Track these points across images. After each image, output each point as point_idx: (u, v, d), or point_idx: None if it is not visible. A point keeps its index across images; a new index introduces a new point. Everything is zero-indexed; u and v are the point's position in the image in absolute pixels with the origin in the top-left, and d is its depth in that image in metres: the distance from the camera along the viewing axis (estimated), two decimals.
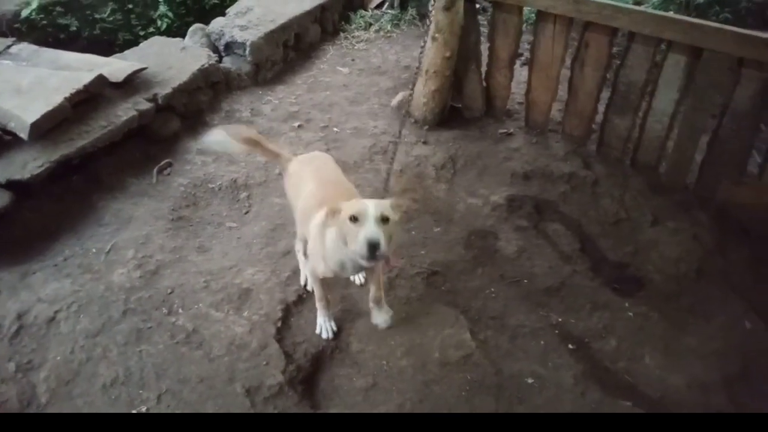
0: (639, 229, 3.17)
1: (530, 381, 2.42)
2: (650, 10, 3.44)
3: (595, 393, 2.39)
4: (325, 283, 2.45)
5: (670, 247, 3.06)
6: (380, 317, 2.52)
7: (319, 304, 2.52)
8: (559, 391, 2.39)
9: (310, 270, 2.42)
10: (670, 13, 3.48)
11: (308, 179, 2.42)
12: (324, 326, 2.54)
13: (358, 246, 1.93)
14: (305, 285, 2.70)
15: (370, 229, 1.92)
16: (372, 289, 2.48)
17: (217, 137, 2.56)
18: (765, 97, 3.09)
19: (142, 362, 2.33)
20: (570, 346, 2.58)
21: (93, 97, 3.18)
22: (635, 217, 3.23)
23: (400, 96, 4.03)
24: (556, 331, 2.63)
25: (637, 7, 3.45)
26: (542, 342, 2.58)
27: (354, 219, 1.97)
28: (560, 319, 2.68)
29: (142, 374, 2.29)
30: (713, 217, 3.23)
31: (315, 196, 2.32)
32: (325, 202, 2.17)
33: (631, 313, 2.74)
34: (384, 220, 1.97)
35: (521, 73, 3.96)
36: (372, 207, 1.97)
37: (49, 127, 2.94)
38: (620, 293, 2.83)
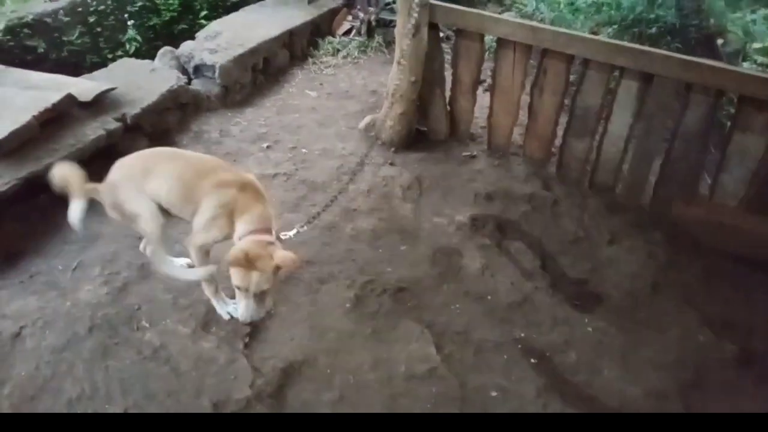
0: (597, 247, 3.29)
1: (494, 394, 2.48)
2: (603, 39, 3.63)
3: (557, 405, 2.46)
4: None
5: (626, 264, 3.18)
6: None
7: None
8: (521, 403, 2.45)
9: None
10: (622, 42, 3.65)
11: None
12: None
13: (239, 313, 2.29)
14: None
15: (245, 311, 2.24)
16: None
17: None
18: (712, 120, 3.28)
19: (108, 378, 2.32)
20: (532, 360, 2.65)
21: (61, 116, 3.18)
22: (593, 235, 3.35)
23: (367, 119, 4.13)
24: (519, 346, 2.70)
25: (590, 36, 3.63)
26: (505, 356, 2.65)
27: (237, 288, 2.23)
28: (522, 334, 2.76)
29: (108, 389, 2.28)
30: (667, 235, 3.37)
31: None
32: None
33: (590, 328, 2.83)
34: (262, 293, 2.23)
35: (484, 98, 4.10)
36: (253, 286, 2.19)
37: (16, 146, 2.94)
38: (580, 309, 2.93)
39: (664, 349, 2.76)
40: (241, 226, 2.32)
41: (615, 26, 4.75)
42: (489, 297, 2.92)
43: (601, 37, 3.95)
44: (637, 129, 3.45)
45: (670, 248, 3.30)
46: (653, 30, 4.63)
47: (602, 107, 3.49)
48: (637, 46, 3.36)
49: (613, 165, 3.58)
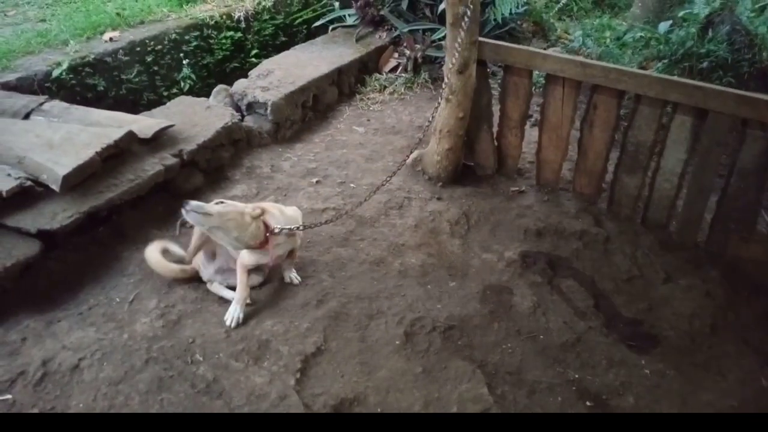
0: (651, 286, 3.21)
1: None
2: (655, 74, 3.59)
3: None
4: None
5: (683, 303, 3.09)
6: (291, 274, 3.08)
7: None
8: None
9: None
10: (675, 77, 3.61)
11: None
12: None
13: None
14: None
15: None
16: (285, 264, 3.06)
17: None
18: None
19: (163, 411, 2.34)
20: (588, 402, 2.57)
21: (122, 152, 3.30)
22: (647, 274, 3.27)
23: (414, 154, 4.15)
24: (573, 387, 2.63)
25: (641, 71, 3.59)
26: (560, 398, 2.58)
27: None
28: (577, 375, 2.69)
29: None
30: (724, 273, 3.27)
31: None
32: None
33: (647, 370, 2.74)
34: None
35: (531, 133, 4.09)
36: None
37: (79, 180, 3.06)
38: (635, 350, 2.84)
39: (725, 393, 2.65)
40: None
41: (665, 61, 4.71)
42: (541, 336, 2.86)
43: (653, 72, 3.90)
44: (691, 165, 3.38)
45: (728, 287, 3.19)
46: (704, 64, 4.58)
47: (655, 142, 3.44)
48: (690, 81, 3.30)
49: (666, 201, 3.50)
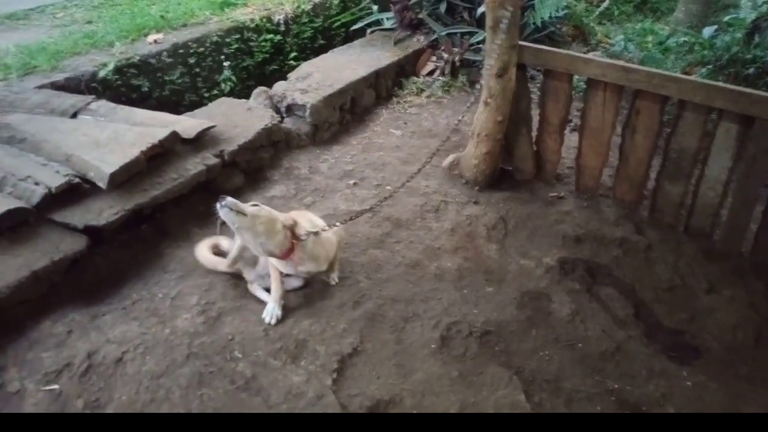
0: (694, 295, 3.14)
1: None
2: (700, 80, 3.51)
3: None
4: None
5: (726, 314, 3.01)
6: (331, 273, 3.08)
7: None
8: None
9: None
10: (720, 83, 3.53)
11: None
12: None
13: None
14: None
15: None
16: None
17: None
18: None
19: (203, 406, 2.39)
20: (627, 413, 2.53)
21: (166, 151, 3.38)
22: (690, 283, 3.20)
23: (451, 157, 4.15)
24: (612, 398, 2.59)
25: (686, 77, 3.52)
26: (598, 408, 2.54)
27: None
28: (616, 386, 2.64)
29: None
30: None
31: None
32: None
33: (688, 382, 2.68)
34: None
35: (571, 138, 4.05)
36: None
37: (125, 178, 3.14)
38: (677, 361, 2.78)
39: None
40: None
41: (709, 66, 4.62)
42: (579, 345, 2.82)
43: (697, 78, 3.82)
44: (736, 173, 3.30)
45: None
46: (750, 70, 4.47)
47: (699, 150, 3.37)
48: (736, 87, 3.22)
49: (710, 210, 3.42)
